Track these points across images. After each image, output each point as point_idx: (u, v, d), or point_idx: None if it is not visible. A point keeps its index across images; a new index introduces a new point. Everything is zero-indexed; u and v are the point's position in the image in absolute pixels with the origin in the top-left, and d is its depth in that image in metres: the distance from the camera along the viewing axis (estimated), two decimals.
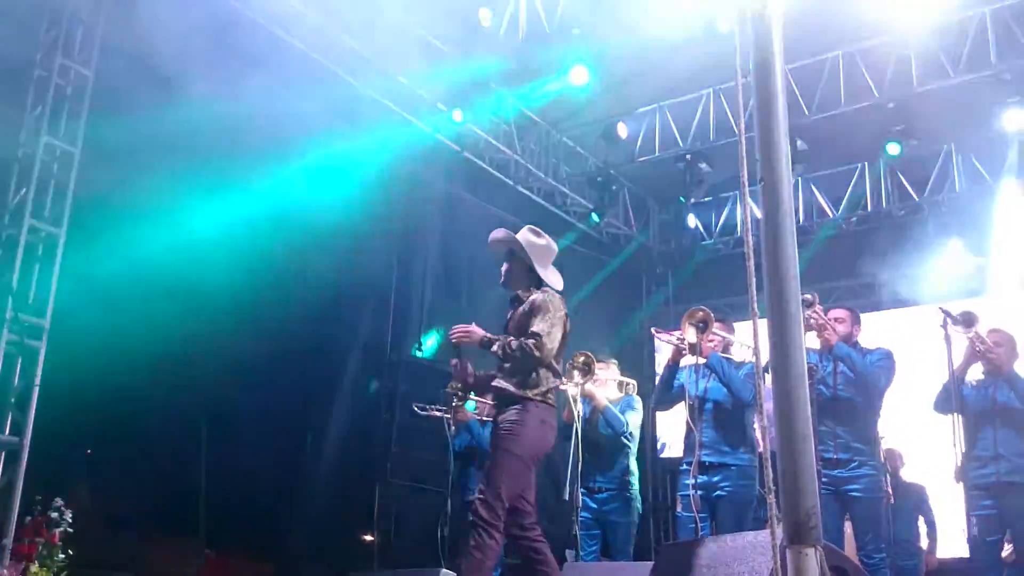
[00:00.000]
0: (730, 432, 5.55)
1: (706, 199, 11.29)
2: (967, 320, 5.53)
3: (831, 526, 5.34)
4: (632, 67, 9.27)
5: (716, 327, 5.54)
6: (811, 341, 5.50)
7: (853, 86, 9.05)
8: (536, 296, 4.64)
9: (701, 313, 5.50)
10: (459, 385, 7.01)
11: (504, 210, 10.46)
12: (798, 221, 10.37)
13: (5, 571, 5.58)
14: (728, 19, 7.53)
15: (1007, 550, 5.70)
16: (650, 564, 4.61)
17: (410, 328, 9.51)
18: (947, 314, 5.48)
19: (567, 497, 5.93)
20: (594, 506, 6.18)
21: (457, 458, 7.12)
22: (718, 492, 5.45)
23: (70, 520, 5.73)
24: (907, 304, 10.23)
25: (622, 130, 10.27)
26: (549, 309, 4.57)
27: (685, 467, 5.56)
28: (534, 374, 4.55)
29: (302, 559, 7.97)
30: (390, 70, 8.87)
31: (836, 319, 5.65)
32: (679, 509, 5.63)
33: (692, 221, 11.93)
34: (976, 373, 5.76)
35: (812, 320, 5.39)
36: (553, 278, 4.78)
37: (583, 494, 6.22)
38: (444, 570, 5.90)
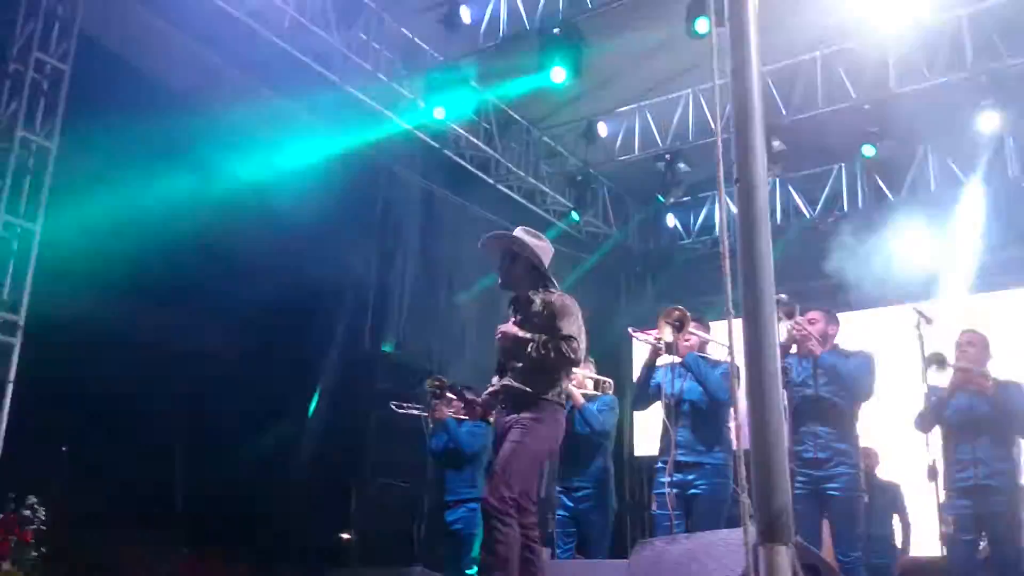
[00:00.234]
0: (706, 431, 5.57)
1: (685, 199, 11.34)
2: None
3: (809, 524, 5.40)
4: (612, 67, 9.31)
5: (692, 326, 5.56)
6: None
7: (830, 87, 9.12)
8: (553, 297, 4.63)
9: (678, 312, 5.51)
10: (437, 383, 7.05)
11: (484, 208, 10.48)
12: (774, 221, 10.44)
13: None
14: (706, 21, 7.56)
15: (982, 551, 5.74)
16: (625, 562, 4.63)
17: (388, 325, 9.49)
18: (920, 314, 5.53)
19: (543, 495, 5.94)
20: (570, 504, 6.19)
21: (434, 457, 7.12)
22: (693, 490, 5.47)
23: (43, 518, 5.69)
24: (880, 304, 10.32)
25: (602, 129, 10.30)
26: (573, 312, 4.58)
27: (661, 465, 5.57)
28: (554, 376, 4.56)
29: (279, 557, 7.94)
30: (370, 66, 8.86)
31: (810, 320, 5.69)
32: (654, 507, 5.64)
33: (671, 221, 11.98)
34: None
35: (795, 332, 5.42)
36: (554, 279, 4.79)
37: (559, 492, 6.25)
38: (420, 568, 5.90)
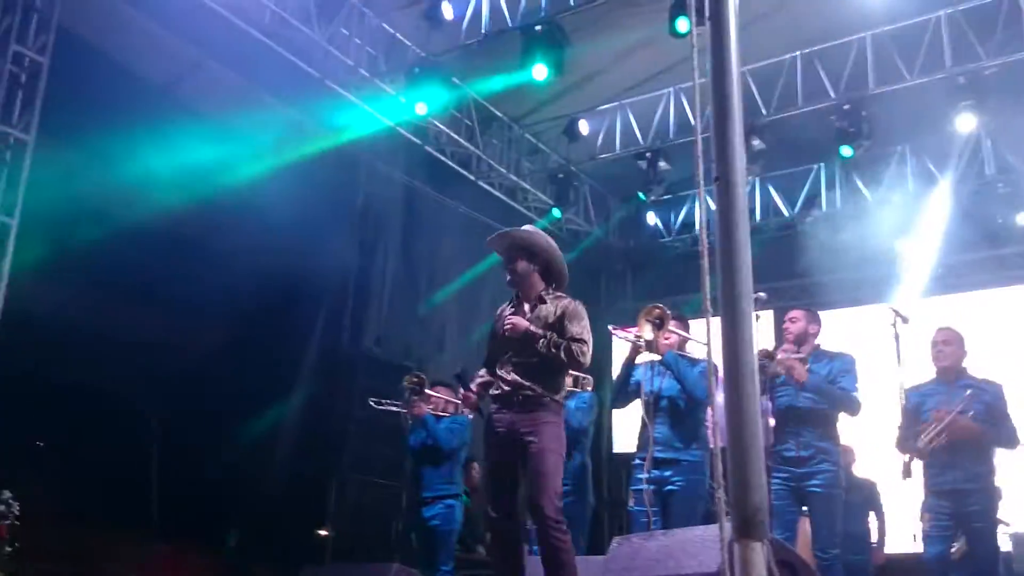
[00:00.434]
0: (683, 429, 5.60)
1: (666, 197, 11.38)
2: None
3: (788, 521, 5.45)
4: (594, 64, 9.33)
5: (672, 325, 5.58)
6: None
7: (809, 87, 9.18)
8: (567, 301, 4.64)
9: (658, 310, 5.53)
10: (416, 379, 7.04)
11: (465, 205, 10.47)
12: (753, 220, 10.50)
13: None
14: (687, 20, 7.59)
15: (957, 549, 5.78)
16: (603, 558, 4.65)
17: (368, 321, 9.47)
18: (897, 313, 5.58)
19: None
20: None
21: (412, 453, 7.11)
22: (670, 487, 5.50)
23: (17, 513, 5.64)
24: (859, 303, 10.41)
25: (583, 127, 10.32)
26: (583, 316, 4.60)
27: (639, 462, 5.60)
28: (560, 377, 4.58)
29: (255, 552, 7.91)
30: (351, 62, 8.83)
31: (791, 319, 5.73)
32: (632, 503, 5.67)
33: (651, 219, 12.01)
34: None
35: (779, 367, 5.46)
36: None
37: None
38: (397, 564, 5.89)
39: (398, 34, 9.21)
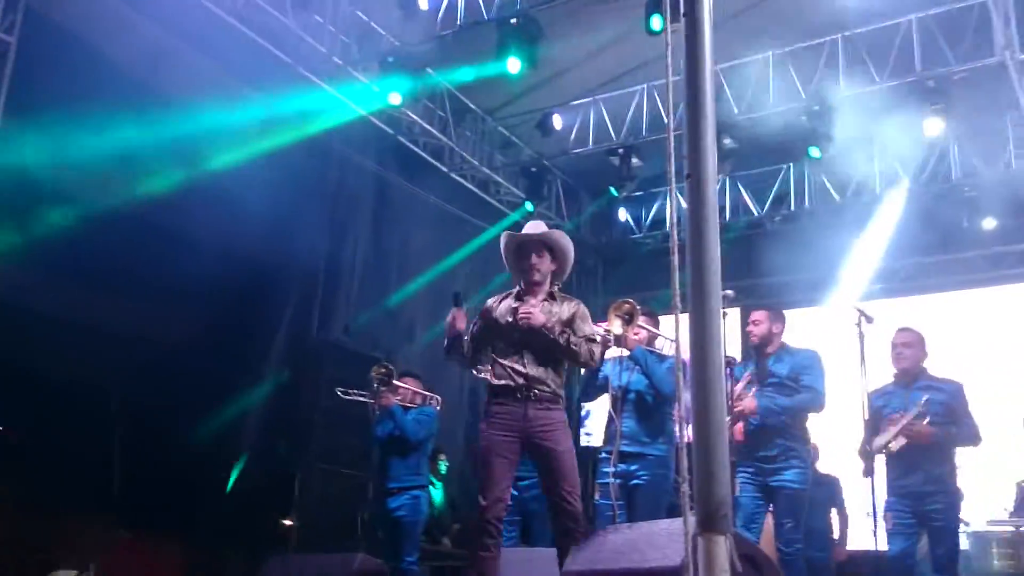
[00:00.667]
0: (650, 423, 5.65)
1: (637, 193, 11.44)
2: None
3: (754, 514, 5.52)
4: (568, 59, 9.34)
5: (642, 320, 5.61)
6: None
7: (781, 88, 9.25)
8: (576, 302, 4.76)
9: (627, 305, 5.56)
10: (384, 370, 7.02)
11: (437, 196, 10.45)
12: (723, 218, 10.57)
13: None
14: (661, 18, 7.62)
15: (919, 548, 5.86)
16: None
17: (337, 311, 9.42)
18: (862, 313, 5.64)
19: None
20: (515, 493, 6.20)
21: (380, 444, 7.10)
22: (635, 481, 5.55)
23: None
24: (825, 303, 10.53)
25: (557, 121, 10.32)
26: (590, 318, 4.75)
27: (605, 456, 5.64)
28: (563, 373, 4.67)
29: (219, 541, 7.86)
30: (325, 49, 8.78)
31: (754, 321, 5.81)
32: (598, 497, 5.71)
33: (623, 215, 12.06)
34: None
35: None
36: None
37: None
38: (362, 554, 5.88)
39: (372, 22, 9.16)
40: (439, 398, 7.39)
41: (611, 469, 5.50)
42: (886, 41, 8.66)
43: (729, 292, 5.37)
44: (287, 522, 8.33)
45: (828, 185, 10.79)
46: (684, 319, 2.44)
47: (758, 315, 5.83)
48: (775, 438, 5.55)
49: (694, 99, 2.51)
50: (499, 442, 4.48)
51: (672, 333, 2.57)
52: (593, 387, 5.87)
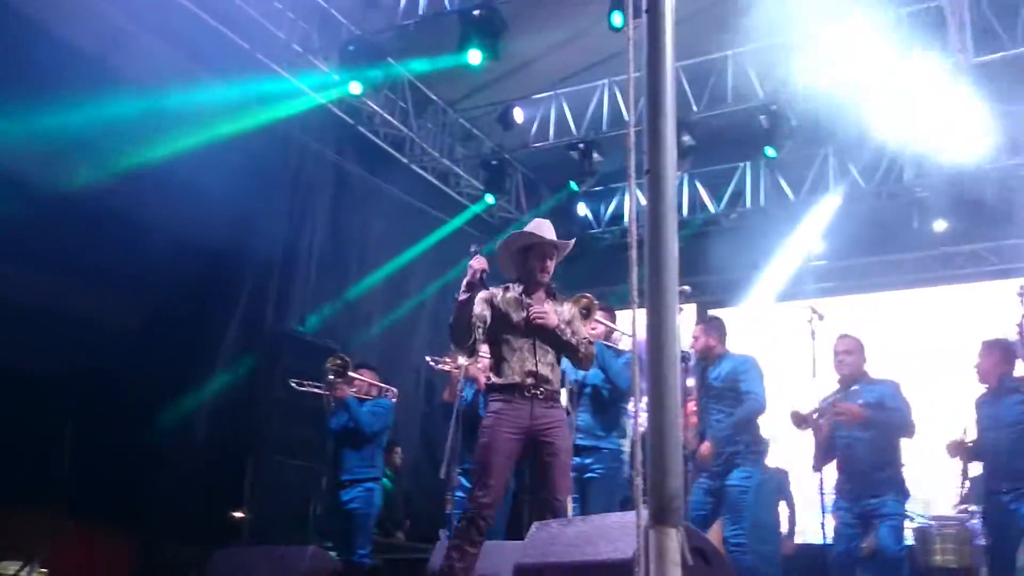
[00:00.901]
0: (605, 417, 5.70)
1: (597, 188, 11.47)
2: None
3: (702, 516, 5.62)
4: (531, 53, 9.33)
5: (599, 315, 5.63)
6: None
7: (739, 87, 9.32)
8: (571, 303, 4.86)
9: (585, 300, 5.55)
10: (339, 362, 6.99)
11: (396, 188, 10.39)
12: (680, 215, 10.65)
13: None
14: (622, 15, 7.64)
15: (866, 545, 5.98)
16: (521, 543, 4.68)
17: (293, 302, 9.33)
18: (813, 311, 5.76)
19: (443, 476, 5.97)
20: (469, 487, 6.23)
21: (334, 436, 7.06)
22: (589, 474, 5.59)
23: None
24: (778, 300, 10.66)
25: (518, 115, 10.31)
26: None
27: None
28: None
29: (168, 533, 7.76)
30: (284, 36, 8.68)
31: (694, 336, 6.00)
32: None
33: (582, 209, 12.09)
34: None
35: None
36: None
37: (459, 475, 6.27)
38: (312, 547, 5.86)
39: (332, 10, 9.06)
40: (395, 390, 7.37)
41: None
42: (844, 42, 8.74)
43: (686, 288, 5.44)
44: (239, 513, 8.24)
45: (783, 184, 10.91)
46: (641, 313, 2.46)
47: (695, 331, 6.00)
48: (724, 447, 5.70)
49: (655, 95, 2.52)
50: (505, 441, 4.47)
51: (629, 328, 2.59)
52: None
